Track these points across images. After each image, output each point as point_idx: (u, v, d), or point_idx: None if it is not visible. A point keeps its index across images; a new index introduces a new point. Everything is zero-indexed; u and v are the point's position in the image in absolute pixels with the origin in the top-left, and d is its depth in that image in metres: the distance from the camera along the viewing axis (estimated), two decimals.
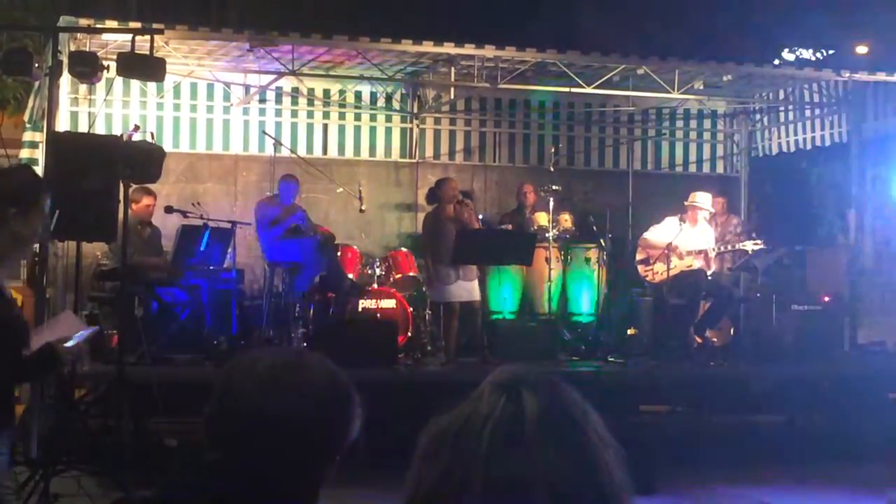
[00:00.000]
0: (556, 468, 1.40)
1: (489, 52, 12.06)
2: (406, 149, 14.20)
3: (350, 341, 10.16)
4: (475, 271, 11.62)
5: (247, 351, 2.15)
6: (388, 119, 14.18)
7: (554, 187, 12.30)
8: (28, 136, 11.50)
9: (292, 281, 11.35)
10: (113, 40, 11.00)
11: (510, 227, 12.57)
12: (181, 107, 13.28)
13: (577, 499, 1.40)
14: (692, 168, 15.28)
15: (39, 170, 10.60)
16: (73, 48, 10.50)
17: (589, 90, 12.79)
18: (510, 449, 1.41)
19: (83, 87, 12.03)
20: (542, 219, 12.55)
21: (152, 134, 11.25)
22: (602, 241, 12.59)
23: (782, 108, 14.91)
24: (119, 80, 11.63)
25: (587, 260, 12.70)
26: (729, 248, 12.37)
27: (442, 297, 11.52)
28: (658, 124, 15.17)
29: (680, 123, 15.28)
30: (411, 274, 12.03)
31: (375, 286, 11.82)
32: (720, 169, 15.44)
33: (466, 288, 11.43)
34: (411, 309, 11.71)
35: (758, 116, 15.40)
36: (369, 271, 11.97)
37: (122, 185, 8.69)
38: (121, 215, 8.79)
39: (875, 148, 13.53)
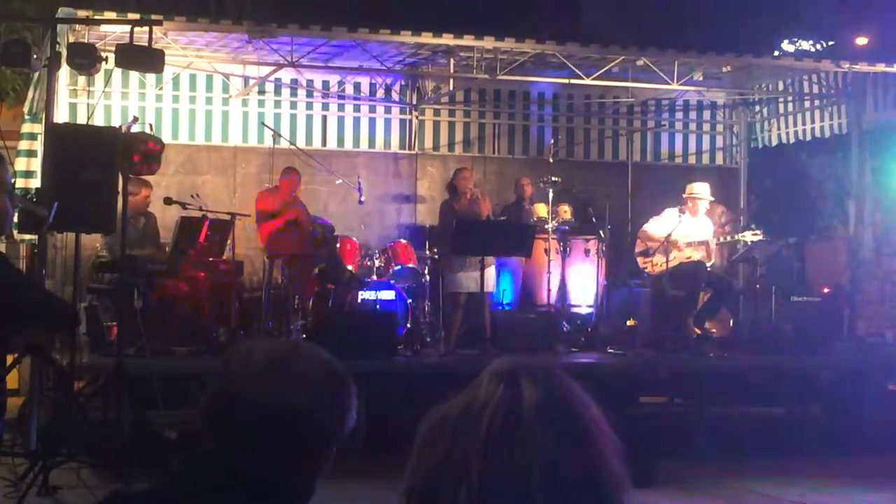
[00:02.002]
0: (553, 456, 1.40)
1: (488, 43, 12.04)
2: (405, 140, 14.20)
3: (349, 333, 10.17)
4: (490, 259, 11.59)
5: (242, 342, 2.15)
6: (388, 110, 14.17)
7: (553, 179, 12.29)
8: (27, 127, 11.49)
9: (291, 273, 11.35)
10: (111, 31, 10.99)
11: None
12: (180, 98, 13.27)
13: (574, 487, 1.40)
14: (691, 159, 15.28)
15: (38, 161, 10.63)
16: (71, 39, 10.50)
17: (588, 81, 12.77)
18: (508, 436, 1.41)
19: (82, 79, 12.02)
20: (541, 210, 12.55)
21: (151, 125, 11.24)
22: (601, 232, 12.58)
23: (782, 100, 14.91)
24: (118, 72, 11.62)
25: (586, 251, 12.71)
26: (728, 239, 12.37)
27: (448, 287, 11.57)
28: (657, 115, 15.16)
29: (679, 115, 15.27)
30: (410, 265, 12.03)
31: (375, 278, 11.82)
32: (719, 160, 15.43)
33: (474, 278, 11.40)
34: (410, 300, 11.72)
35: (757, 108, 15.39)
36: (368, 263, 11.96)
37: (120, 177, 8.69)
38: (120, 207, 8.78)
39: (875, 139, 13.52)
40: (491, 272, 11.65)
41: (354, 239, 12.12)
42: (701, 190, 12.17)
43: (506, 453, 1.40)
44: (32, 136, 11.31)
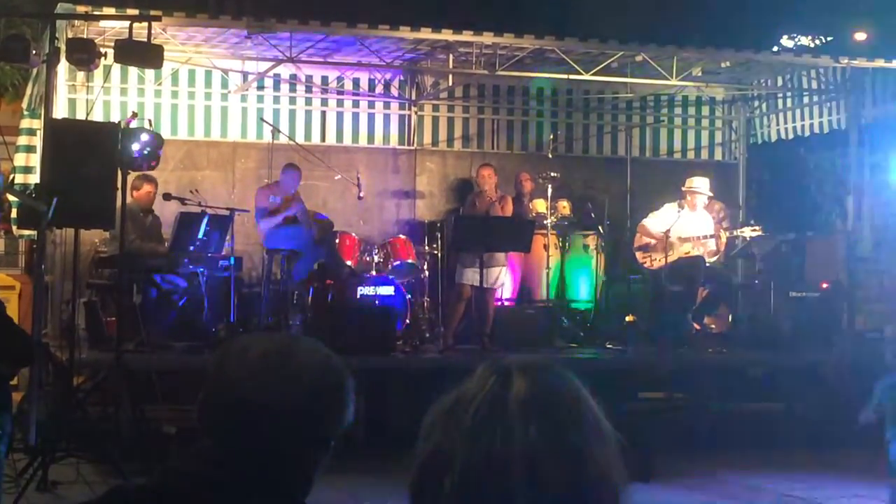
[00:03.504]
0: (535, 450, 1.40)
1: (487, 38, 12.04)
2: (404, 136, 14.19)
3: (348, 329, 10.18)
4: (500, 259, 11.55)
5: (239, 337, 2.15)
6: (387, 106, 14.16)
7: (552, 174, 12.30)
8: (26, 123, 11.49)
9: (290, 268, 11.35)
10: (110, 27, 10.97)
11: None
12: (179, 94, 13.25)
13: (555, 483, 1.40)
14: (690, 155, 15.27)
15: (37, 157, 10.63)
16: (70, 35, 10.48)
17: (587, 77, 12.77)
18: (492, 426, 1.42)
19: (81, 74, 11.99)
20: (540, 206, 12.55)
21: (150, 121, 11.24)
22: (600, 227, 12.59)
23: (781, 95, 14.90)
24: (117, 67, 11.61)
25: (585, 247, 12.72)
26: (728, 234, 12.37)
27: (456, 278, 11.55)
28: (656, 111, 15.15)
29: (678, 110, 15.26)
30: (409, 261, 12.03)
31: (374, 273, 11.81)
32: (718, 156, 15.43)
33: (483, 274, 11.31)
34: (409, 296, 11.72)
35: (756, 103, 15.38)
36: (367, 258, 11.96)
37: (119, 173, 8.70)
38: (119, 203, 8.79)
39: (873, 134, 13.52)
40: (494, 272, 11.54)
41: (353, 234, 12.12)
42: (700, 184, 12.16)
43: (488, 444, 1.41)
44: (31, 132, 11.32)
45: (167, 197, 11.05)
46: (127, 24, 10.03)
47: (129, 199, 10.59)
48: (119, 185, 8.69)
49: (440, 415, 1.47)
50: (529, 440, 1.41)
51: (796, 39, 22.83)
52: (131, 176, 10.39)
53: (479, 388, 1.46)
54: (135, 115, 10.17)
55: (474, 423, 1.43)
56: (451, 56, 12.76)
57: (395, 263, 11.95)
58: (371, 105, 14.10)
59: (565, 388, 1.48)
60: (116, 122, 10.23)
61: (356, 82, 13.90)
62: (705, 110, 15.39)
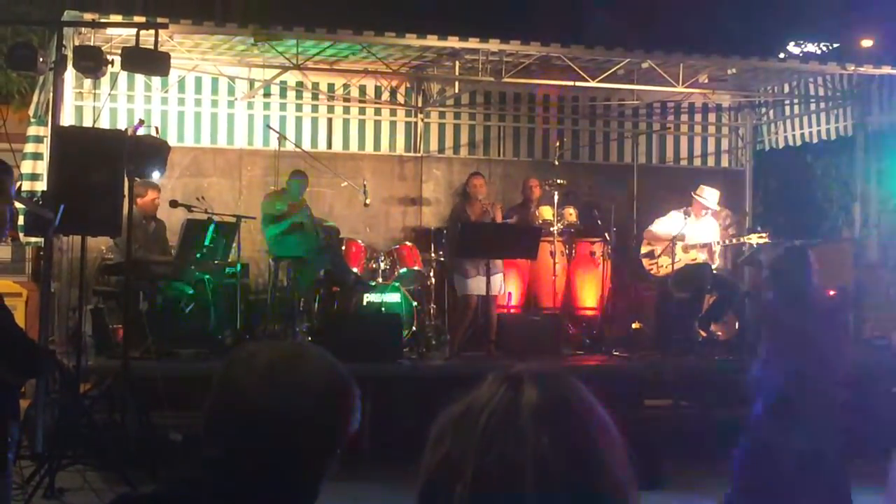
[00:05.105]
0: (548, 456, 1.40)
1: (494, 45, 12.04)
2: (410, 143, 14.20)
3: (354, 336, 10.17)
4: (498, 265, 11.55)
5: (245, 344, 2.15)
6: (393, 113, 14.18)
7: (559, 181, 12.30)
8: (33, 130, 11.51)
9: (297, 275, 11.35)
10: (117, 35, 11.01)
11: (514, 219, 12.53)
12: (185, 101, 13.27)
13: (567, 490, 1.40)
14: (697, 162, 15.27)
15: (44, 164, 10.65)
16: (77, 43, 10.51)
17: (593, 84, 12.77)
18: (503, 435, 1.42)
19: (88, 82, 12.02)
20: (546, 213, 12.54)
21: (157, 128, 11.25)
22: (606, 234, 12.57)
23: (787, 102, 14.89)
24: (123, 75, 11.63)
25: (592, 254, 12.70)
26: (734, 242, 12.36)
27: (460, 290, 11.56)
28: (663, 118, 15.15)
29: (685, 117, 15.26)
30: (416, 268, 12.02)
31: (380, 280, 11.81)
32: (725, 163, 15.42)
33: (487, 282, 11.31)
34: (416, 303, 11.71)
35: (763, 110, 15.38)
36: (374, 265, 11.96)
37: (126, 180, 8.70)
38: (126, 210, 8.80)
39: (880, 141, 13.51)
40: (499, 278, 11.59)
41: (360, 241, 12.11)
42: (709, 195, 12.13)
43: (500, 452, 1.41)
44: (38, 139, 11.33)
45: (174, 204, 11.05)
46: (134, 31, 10.05)
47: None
48: (126, 192, 8.70)
49: (450, 423, 1.47)
50: (541, 447, 1.41)
51: (803, 46, 22.81)
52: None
53: (490, 396, 1.46)
54: (142, 122, 10.18)
55: (486, 430, 1.43)
56: (457, 63, 12.77)
57: (401, 270, 11.94)
58: (377, 112, 14.11)
59: (575, 396, 1.49)
60: (123, 129, 10.24)
61: (362, 89, 13.92)
62: (712, 117, 15.39)
